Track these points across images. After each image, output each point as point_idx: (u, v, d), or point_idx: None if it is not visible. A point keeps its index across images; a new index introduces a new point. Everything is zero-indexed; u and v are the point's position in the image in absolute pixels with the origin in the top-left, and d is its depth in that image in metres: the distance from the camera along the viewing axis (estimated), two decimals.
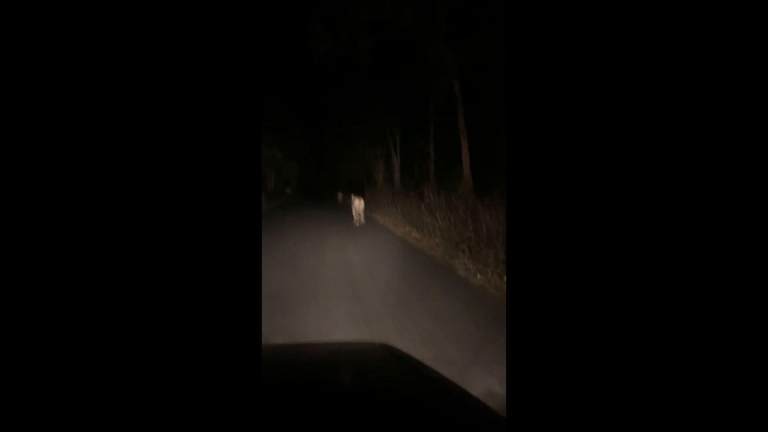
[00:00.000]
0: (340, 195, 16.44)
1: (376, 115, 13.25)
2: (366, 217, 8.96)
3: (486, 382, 1.90)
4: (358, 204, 8.70)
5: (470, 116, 8.67)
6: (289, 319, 2.78)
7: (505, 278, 3.75)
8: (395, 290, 3.62)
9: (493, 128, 8.06)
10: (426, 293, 3.58)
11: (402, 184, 13.38)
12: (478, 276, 4.07)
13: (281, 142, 20.49)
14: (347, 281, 3.96)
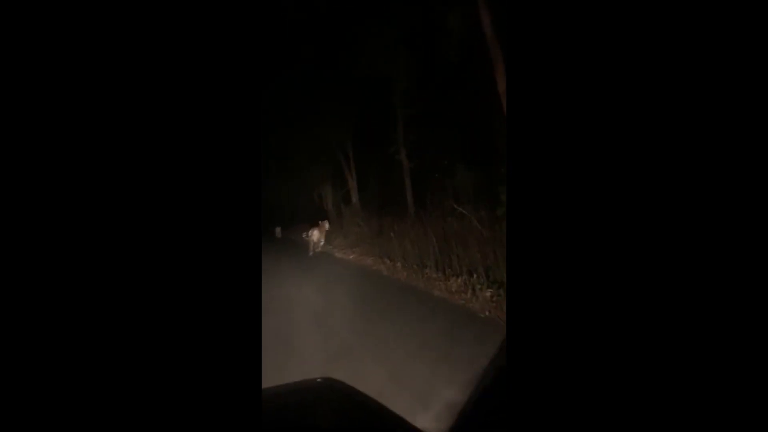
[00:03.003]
0: (278, 230, 15.84)
1: (322, 120, 9.91)
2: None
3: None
4: (317, 237, 8.71)
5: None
6: None
7: None
8: None
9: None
10: None
11: (362, 208, 10.25)
12: None
13: None
14: None
